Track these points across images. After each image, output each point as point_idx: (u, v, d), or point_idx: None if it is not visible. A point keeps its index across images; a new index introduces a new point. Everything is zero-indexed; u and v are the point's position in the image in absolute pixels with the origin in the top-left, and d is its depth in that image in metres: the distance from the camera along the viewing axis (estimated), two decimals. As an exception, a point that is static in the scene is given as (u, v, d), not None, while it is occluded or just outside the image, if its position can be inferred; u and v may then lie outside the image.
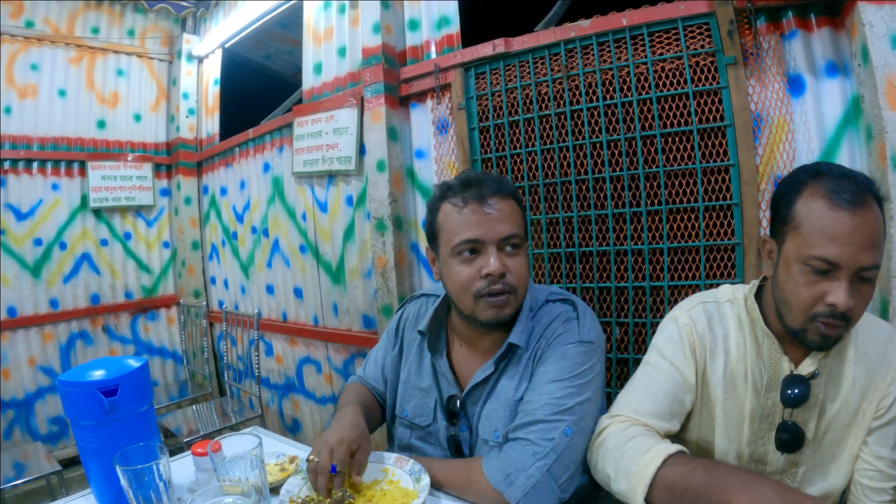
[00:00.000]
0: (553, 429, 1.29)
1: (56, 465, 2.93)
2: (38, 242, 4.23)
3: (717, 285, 1.46)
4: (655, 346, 1.42)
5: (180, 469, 1.60)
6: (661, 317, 2.12)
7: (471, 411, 1.51)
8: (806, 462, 1.30)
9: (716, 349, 1.34)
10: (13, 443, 4.07)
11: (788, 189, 1.19)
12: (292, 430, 4.20)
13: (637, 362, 2.21)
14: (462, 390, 1.52)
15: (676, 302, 2.11)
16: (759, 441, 1.32)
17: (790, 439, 1.27)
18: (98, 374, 1.40)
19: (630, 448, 1.20)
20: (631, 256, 2.25)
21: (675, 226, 2.17)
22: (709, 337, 1.34)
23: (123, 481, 1.20)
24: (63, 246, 4.35)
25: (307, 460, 1.32)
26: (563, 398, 1.32)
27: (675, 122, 2.12)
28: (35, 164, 4.20)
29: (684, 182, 2.13)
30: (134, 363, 1.48)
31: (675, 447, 1.16)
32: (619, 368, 2.33)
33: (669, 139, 2.15)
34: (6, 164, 4.07)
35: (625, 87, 2.21)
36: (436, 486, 1.37)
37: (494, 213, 1.38)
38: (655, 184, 2.18)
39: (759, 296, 1.34)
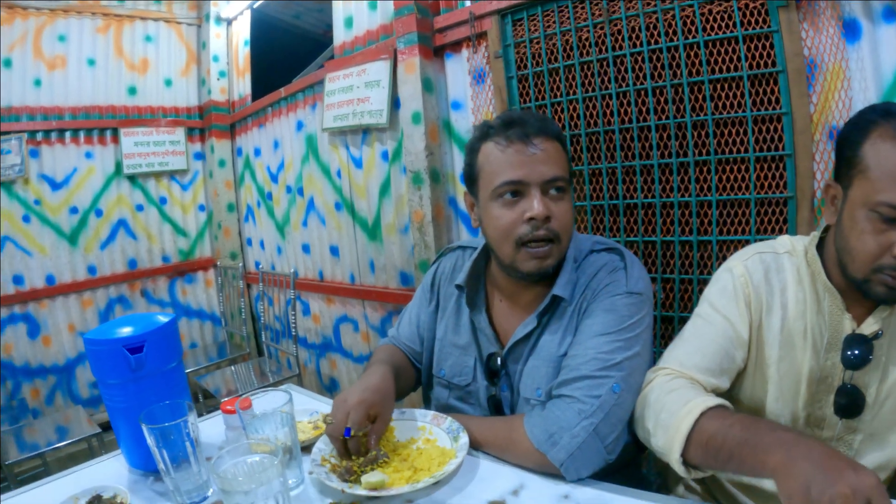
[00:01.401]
0: (600, 385, 1.21)
1: (96, 428, 3.03)
2: (73, 211, 4.31)
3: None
4: (707, 297, 1.33)
5: (212, 428, 1.60)
6: (709, 273, 2.07)
7: (512, 369, 1.44)
8: (864, 429, 1.21)
9: (772, 303, 1.24)
10: (55, 407, 4.20)
11: (855, 130, 1.09)
12: (329, 388, 4.23)
13: (682, 320, 2.16)
14: (502, 347, 1.46)
15: (724, 258, 2.02)
16: (816, 404, 1.23)
17: (849, 403, 1.18)
18: (124, 331, 1.37)
19: (670, 401, 1.13)
20: (677, 209, 2.15)
21: (723, 177, 2.06)
22: (765, 290, 1.25)
23: (150, 440, 1.17)
24: (99, 213, 4.43)
25: (325, 421, 1.28)
26: (610, 353, 1.24)
27: (724, 67, 2.00)
28: (68, 134, 4.26)
29: (734, 131, 2.01)
30: (162, 319, 1.44)
31: (716, 400, 1.08)
32: (663, 326, 2.26)
33: (718, 85, 2.02)
34: (38, 136, 4.12)
35: (670, 32, 2.09)
36: (475, 445, 1.33)
37: (539, 154, 1.30)
38: (703, 132, 2.07)
39: (820, 248, 1.25)
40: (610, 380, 1.22)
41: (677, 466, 1.06)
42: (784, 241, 1.32)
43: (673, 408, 1.10)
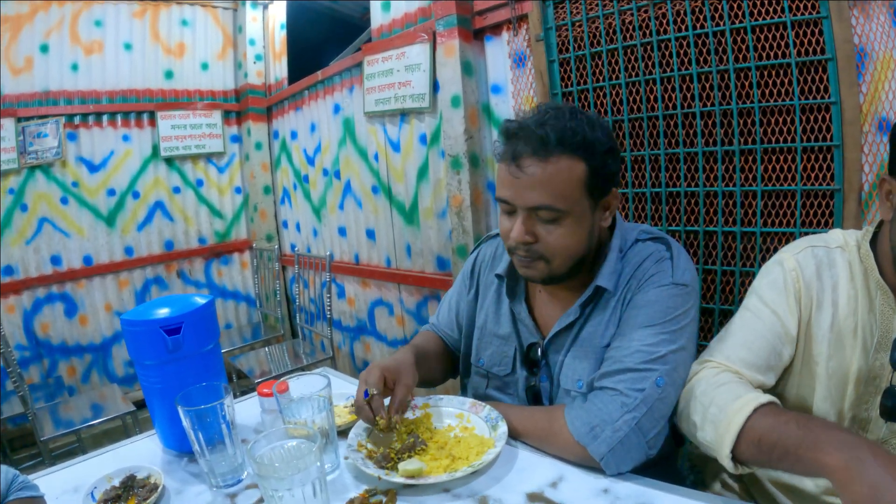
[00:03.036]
0: (644, 378, 1.18)
1: (131, 406, 3.11)
2: (111, 193, 4.39)
3: (811, 234, 1.32)
4: (756, 290, 1.28)
5: (247, 410, 1.60)
6: (752, 265, 2.02)
7: (552, 360, 1.42)
8: None
9: (823, 300, 1.19)
10: (91, 385, 4.32)
11: None
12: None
13: (723, 313, 2.12)
14: (543, 338, 1.43)
15: (768, 249, 1.97)
16: (862, 406, 1.18)
17: (894, 406, 1.13)
18: (162, 312, 1.38)
19: (719, 395, 1.10)
20: (721, 199, 2.10)
21: (769, 167, 1.99)
22: (816, 286, 1.20)
23: (185, 422, 1.17)
24: (136, 195, 4.50)
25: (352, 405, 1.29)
26: (655, 345, 1.21)
27: (772, 54, 1.93)
28: (105, 118, 4.33)
29: (780, 120, 1.94)
30: (199, 300, 1.45)
31: (767, 397, 1.05)
32: (703, 318, 2.20)
33: (765, 72, 1.96)
34: (76, 119, 4.20)
35: (716, 16, 2.02)
36: (513, 435, 1.31)
37: (524, 179, 1.22)
38: (749, 121, 2.00)
39: (873, 243, 1.19)
40: (654, 373, 1.18)
41: (726, 462, 1.03)
42: (836, 235, 1.26)
43: (723, 403, 1.07)
